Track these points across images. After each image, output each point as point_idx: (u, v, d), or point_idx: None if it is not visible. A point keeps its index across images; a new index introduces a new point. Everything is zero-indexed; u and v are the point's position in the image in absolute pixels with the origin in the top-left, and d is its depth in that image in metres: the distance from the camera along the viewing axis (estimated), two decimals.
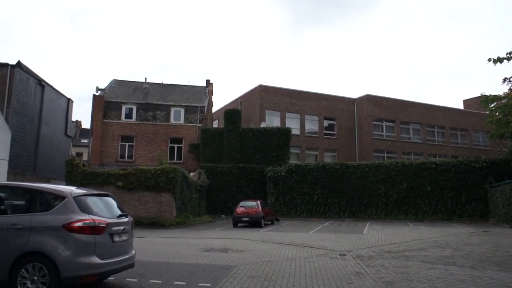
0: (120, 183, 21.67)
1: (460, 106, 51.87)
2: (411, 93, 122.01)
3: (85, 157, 43.41)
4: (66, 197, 6.01)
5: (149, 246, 12.34)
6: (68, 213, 5.84)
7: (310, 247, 12.29)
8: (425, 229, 19.52)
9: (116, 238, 6.36)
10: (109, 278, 7.02)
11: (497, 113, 26.12)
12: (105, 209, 6.59)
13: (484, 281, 7.37)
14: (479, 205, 25.70)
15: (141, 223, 19.53)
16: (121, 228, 6.55)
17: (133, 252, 7.00)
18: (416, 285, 6.96)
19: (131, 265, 6.84)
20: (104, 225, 6.04)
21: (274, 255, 10.60)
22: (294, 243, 13.15)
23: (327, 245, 12.71)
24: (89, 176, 22.05)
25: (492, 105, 26.76)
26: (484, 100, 27.06)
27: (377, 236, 16.08)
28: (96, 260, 5.77)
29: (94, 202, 6.42)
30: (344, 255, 10.68)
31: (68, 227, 5.69)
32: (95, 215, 6.05)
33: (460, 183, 26.24)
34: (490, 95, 26.72)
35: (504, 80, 26.28)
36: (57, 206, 5.94)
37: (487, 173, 25.85)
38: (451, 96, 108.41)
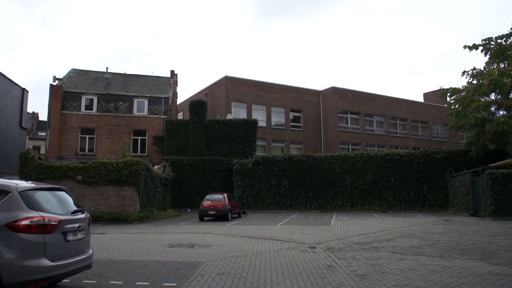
0: (79, 177, 20.66)
1: (421, 99, 53.43)
2: (375, 86, 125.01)
3: (43, 151, 41.22)
4: (10, 192, 5.28)
5: (110, 243, 11.67)
6: (13, 210, 5.13)
7: (279, 240, 12.05)
8: (390, 219, 19.83)
9: (70, 237, 5.72)
10: (64, 280, 6.41)
11: (457, 106, 26.95)
12: (57, 204, 5.92)
13: (455, 271, 7.33)
14: (440, 195, 26.54)
15: (102, 218, 18.86)
16: (76, 225, 5.92)
17: (91, 251, 6.39)
18: (390, 278, 6.80)
19: (88, 266, 6.23)
20: (56, 223, 5.38)
21: (242, 249, 10.25)
22: (262, 237, 12.88)
23: (296, 238, 12.51)
24: (46, 170, 20.87)
25: (452, 98, 27.62)
26: (444, 93, 27.92)
27: (344, 227, 16.10)
28: (46, 262, 5.12)
29: (44, 197, 5.74)
30: (314, 247, 10.48)
31: (13, 226, 5.00)
32: (45, 212, 5.38)
33: (422, 173, 26.96)
34: (450, 88, 27.59)
35: (463, 73, 27.25)
36: None
37: (447, 163, 26.72)
38: (412, 89, 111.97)
